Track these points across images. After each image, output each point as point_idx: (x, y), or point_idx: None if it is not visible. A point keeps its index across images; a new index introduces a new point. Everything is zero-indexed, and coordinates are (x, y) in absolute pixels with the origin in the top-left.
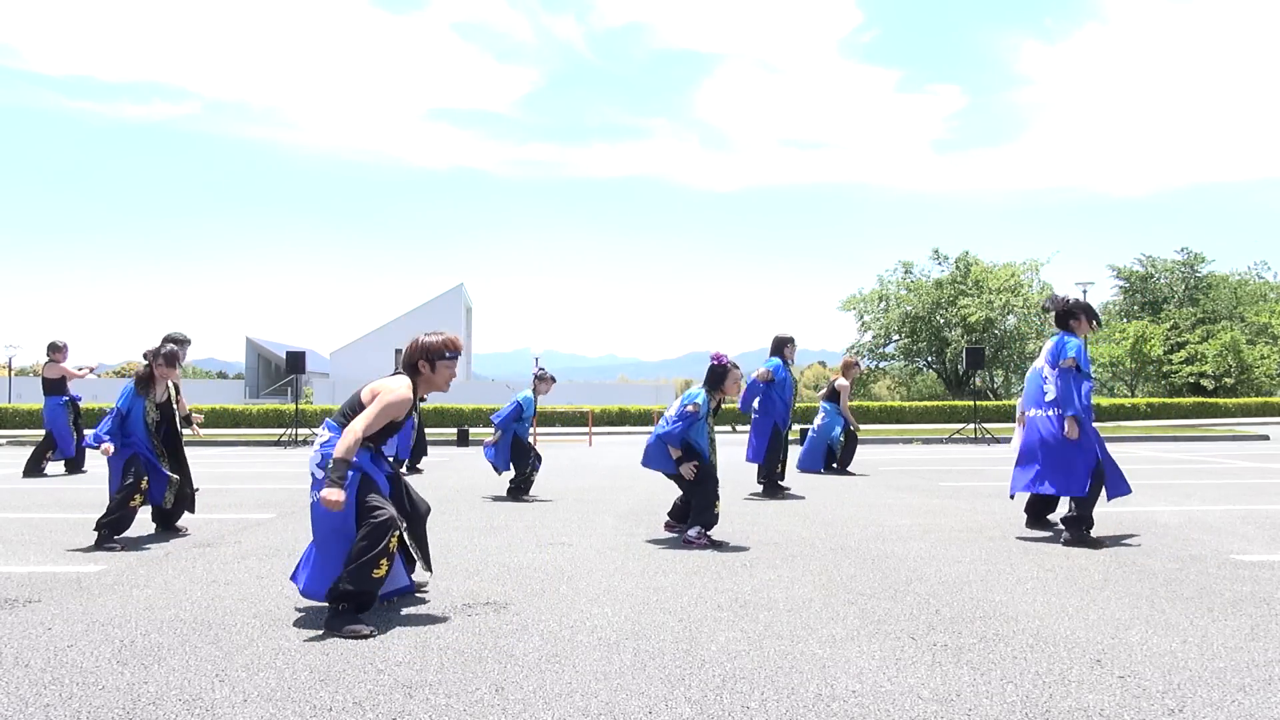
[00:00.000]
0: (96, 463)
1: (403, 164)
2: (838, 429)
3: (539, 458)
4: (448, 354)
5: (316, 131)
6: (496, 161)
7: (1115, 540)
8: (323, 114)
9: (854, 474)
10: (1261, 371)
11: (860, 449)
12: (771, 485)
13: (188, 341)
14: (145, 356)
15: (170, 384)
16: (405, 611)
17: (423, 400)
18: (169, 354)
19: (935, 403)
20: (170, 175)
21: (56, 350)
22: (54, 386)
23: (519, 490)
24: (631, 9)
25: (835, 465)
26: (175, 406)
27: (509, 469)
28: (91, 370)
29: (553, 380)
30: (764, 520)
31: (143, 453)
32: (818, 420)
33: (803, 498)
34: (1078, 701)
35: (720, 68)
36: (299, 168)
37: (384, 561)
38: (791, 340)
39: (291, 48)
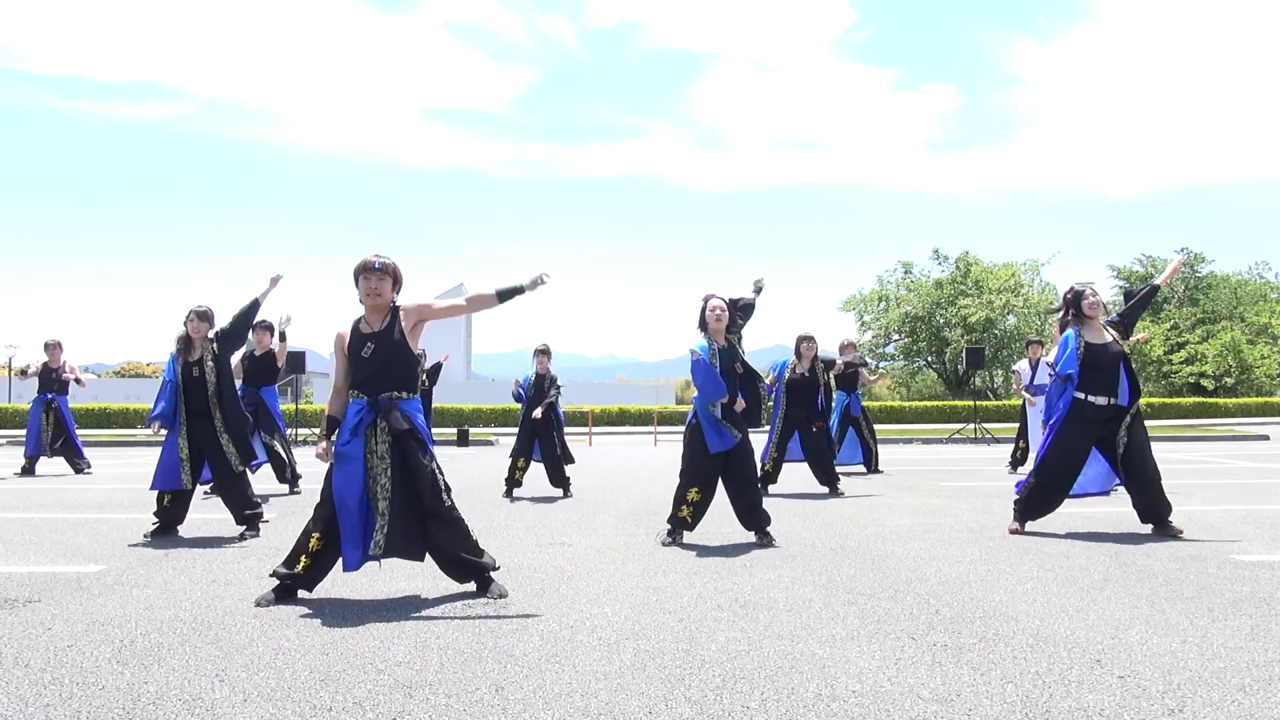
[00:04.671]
0: (95, 465)
1: (398, 164)
2: (851, 413)
3: (552, 451)
4: (356, 273)
5: (311, 131)
6: (492, 161)
7: (1115, 540)
8: (317, 114)
9: (879, 472)
10: (1261, 371)
11: None
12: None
13: (265, 323)
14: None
15: (210, 349)
16: (405, 611)
17: (377, 334)
18: (198, 310)
19: (935, 403)
20: (166, 175)
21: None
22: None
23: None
24: (624, 9)
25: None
26: (205, 371)
27: (539, 459)
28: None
29: (545, 352)
30: None
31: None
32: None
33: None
34: (1078, 701)
35: (714, 67)
36: (295, 168)
37: (301, 556)
38: (804, 339)
39: (284, 47)
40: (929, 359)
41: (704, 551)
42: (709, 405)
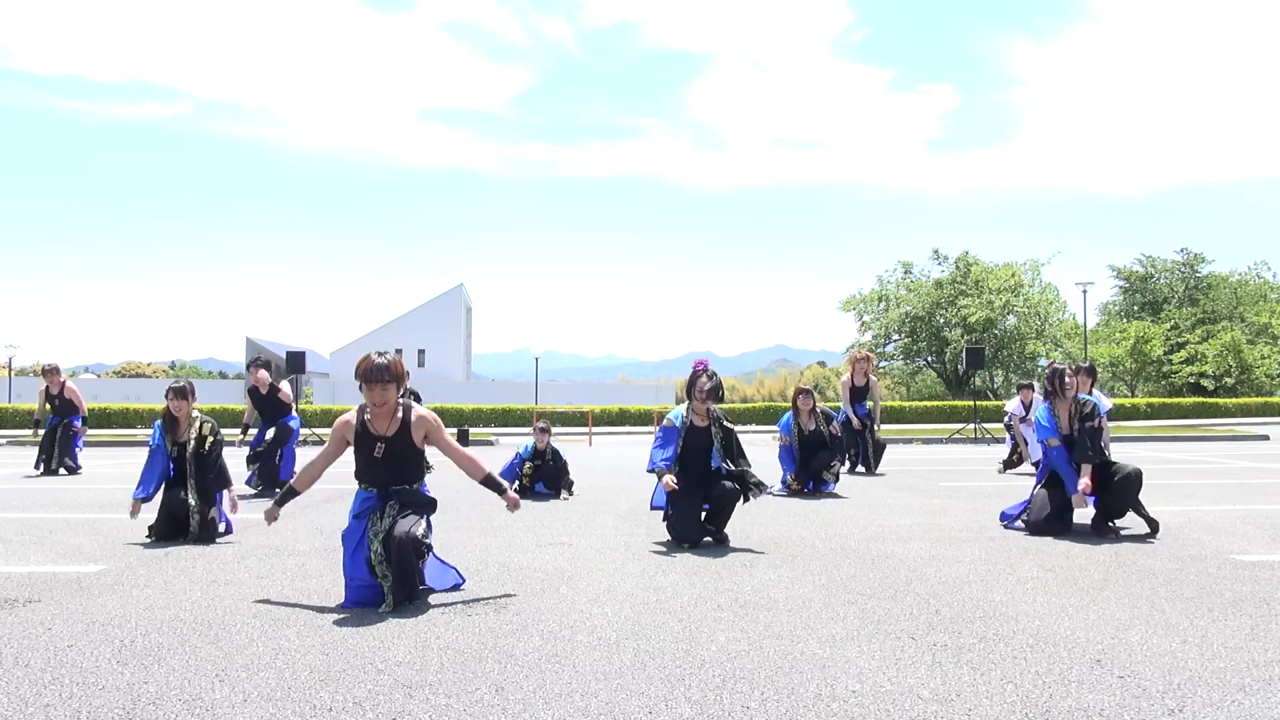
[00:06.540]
0: (95, 465)
1: (397, 164)
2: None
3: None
4: (357, 379)
5: (309, 131)
6: (491, 161)
7: (1115, 540)
8: (314, 114)
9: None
10: (1261, 371)
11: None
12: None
13: (260, 361)
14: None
15: (197, 427)
16: (405, 611)
17: (383, 433)
18: (175, 387)
19: (935, 403)
20: (164, 174)
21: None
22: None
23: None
24: (620, 8)
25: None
26: (204, 448)
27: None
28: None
29: (545, 429)
30: (764, 520)
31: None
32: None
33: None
34: (1078, 701)
35: (711, 67)
36: (293, 167)
37: None
38: (801, 392)
39: (281, 47)
40: (929, 359)
41: (704, 551)
42: (650, 469)
